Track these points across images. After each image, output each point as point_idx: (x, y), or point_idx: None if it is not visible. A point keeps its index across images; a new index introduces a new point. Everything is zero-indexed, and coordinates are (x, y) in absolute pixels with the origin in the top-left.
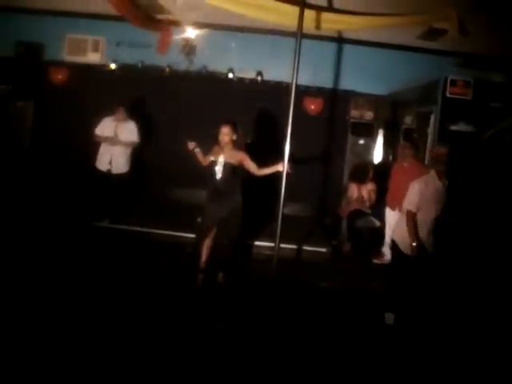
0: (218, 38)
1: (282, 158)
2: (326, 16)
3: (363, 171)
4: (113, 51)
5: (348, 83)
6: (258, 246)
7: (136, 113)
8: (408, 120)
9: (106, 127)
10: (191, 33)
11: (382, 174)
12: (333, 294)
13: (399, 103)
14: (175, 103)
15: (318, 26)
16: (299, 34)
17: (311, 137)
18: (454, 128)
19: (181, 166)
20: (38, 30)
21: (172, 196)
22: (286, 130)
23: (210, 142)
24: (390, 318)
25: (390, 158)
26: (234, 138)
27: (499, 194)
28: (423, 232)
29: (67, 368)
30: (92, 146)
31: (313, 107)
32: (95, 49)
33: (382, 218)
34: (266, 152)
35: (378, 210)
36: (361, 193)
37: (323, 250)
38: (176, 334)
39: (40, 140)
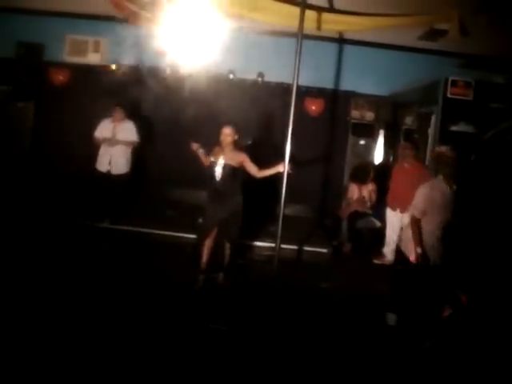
0: (218, 38)
1: (282, 159)
2: (326, 17)
3: (364, 171)
4: (113, 52)
5: (349, 84)
6: (259, 247)
7: (136, 113)
8: (409, 120)
9: (104, 129)
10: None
11: (382, 175)
12: (333, 295)
13: (400, 104)
14: (176, 104)
15: (318, 27)
16: (300, 35)
17: (312, 137)
18: (454, 129)
19: (181, 166)
20: (39, 31)
21: (172, 197)
22: (287, 131)
23: (211, 143)
24: (392, 318)
25: (391, 158)
26: (236, 138)
27: (499, 195)
28: (430, 240)
29: (67, 368)
30: (92, 146)
31: (314, 108)
32: (96, 49)
33: (382, 219)
34: (267, 153)
35: (378, 210)
36: (361, 193)
37: (324, 250)
38: (176, 334)
39: (40, 141)
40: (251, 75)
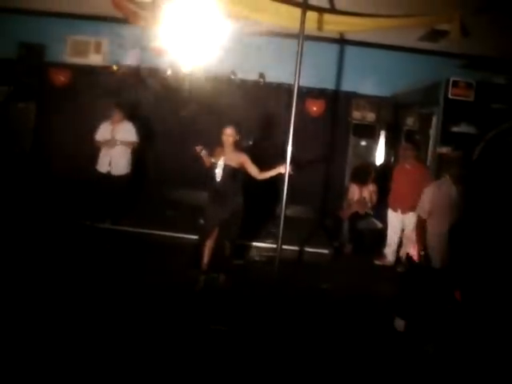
0: (219, 38)
1: (283, 160)
2: (327, 18)
3: (364, 172)
4: (114, 52)
5: (350, 85)
6: (260, 248)
7: (137, 114)
8: (410, 121)
9: (103, 131)
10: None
11: (383, 176)
12: (334, 296)
13: (401, 105)
14: (177, 104)
15: (320, 28)
16: (301, 36)
17: (313, 138)
18: (456, 129)
19: (182, 167)
20: (40, 32)
21: (172, 197)
22: (288, 132)
23: (213, 144)
24: (400, 324)
25: (392, 159)
26: (237, 138)
27: (501, 195)
28: (436, 242)
29: (67, 369)
30: (93, 147)
31: (315, 109)
32: (97, 50)
33: (383, 220)
34: (268, 153)
35: (379, 211)
36: (362, 194)
37: (325, 251)
38: (177, 334)
39: (41, 141)
40: (252, 76)
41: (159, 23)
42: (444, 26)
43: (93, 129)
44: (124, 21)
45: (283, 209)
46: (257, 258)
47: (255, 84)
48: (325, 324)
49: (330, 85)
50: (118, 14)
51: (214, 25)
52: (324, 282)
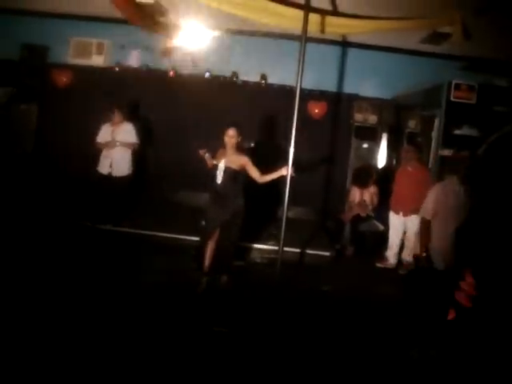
0: (222, 41)
1: (285, 162)
2: (330, 20)
3: (365, 174)
4: (117, 54)
5: (352, 87)
6: (262, 250)
7: (140, 115)
8: (412, 124)
9: (104, 133)
10: (195, 36)
11: (385, 178)
12: (335, 298)
13: (403, 107)
14: (179, 106)
15: (322, 30)
16: (304, 38)
17: (315, 140)
18: (457, 132)
19: (183, 168)
20: (43, 33)
21: (174, 198)
22: (290, 134)
23: (214, 145)
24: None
25: (394, 161)
26: (239, 139)
27: (502, 199)
28: (441, 243)
29: (69, 370)
30: (95, 148)
31: (317, 111)
32: (99, 51)
33: (385, 222)
34: (270, 155)
35: (381, 213)
36: (363, 196)
37: (326, 253)
38: (179, 336)
39: (43, 142)
40: (254, 77)
41: (161, 25)
42: (446, 29)
43: (94, 130)
44: (126, 22)
45: (285, 211)
46: (258, 260)
47: (257, 86)
48: (326, 326)
49: (331, 87)
50: (120, 16)
51: (216, 27)
52: (325, 284)
